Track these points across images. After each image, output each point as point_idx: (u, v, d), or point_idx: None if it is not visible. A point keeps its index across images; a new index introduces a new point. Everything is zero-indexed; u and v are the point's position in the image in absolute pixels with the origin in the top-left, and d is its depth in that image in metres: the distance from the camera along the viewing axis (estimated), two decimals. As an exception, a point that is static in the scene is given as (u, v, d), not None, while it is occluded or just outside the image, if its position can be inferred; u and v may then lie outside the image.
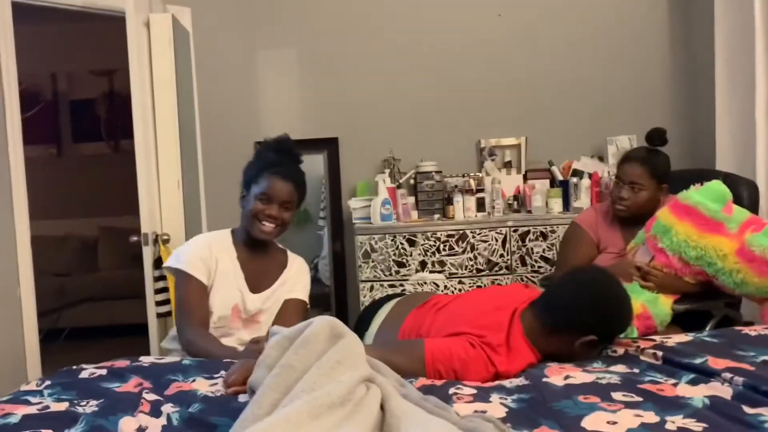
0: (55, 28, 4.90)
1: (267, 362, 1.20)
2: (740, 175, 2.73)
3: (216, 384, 1.37)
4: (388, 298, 2.09)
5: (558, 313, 1.52)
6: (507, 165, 3.76)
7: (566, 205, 3.52)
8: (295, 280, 2.03)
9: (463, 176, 3.63)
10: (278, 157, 1.94)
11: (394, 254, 3.36)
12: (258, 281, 1.93)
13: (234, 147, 3.79)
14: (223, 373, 1.44)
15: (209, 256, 1.88)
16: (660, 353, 1.39)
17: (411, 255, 3.36)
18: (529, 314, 1.56)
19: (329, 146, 3.84)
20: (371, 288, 3.37)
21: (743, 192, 2.44)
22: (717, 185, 2.17)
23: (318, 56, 3.86)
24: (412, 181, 3.67)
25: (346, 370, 1.11)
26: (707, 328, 2.12)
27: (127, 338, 4.32)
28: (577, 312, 1.49)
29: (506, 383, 1.28)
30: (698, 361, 1.28)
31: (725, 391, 1.15)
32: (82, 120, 5.93)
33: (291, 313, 1.93)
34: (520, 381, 1.28)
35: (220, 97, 3.75)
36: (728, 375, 1.17)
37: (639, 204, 2.38)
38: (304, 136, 3.81)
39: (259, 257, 1.96)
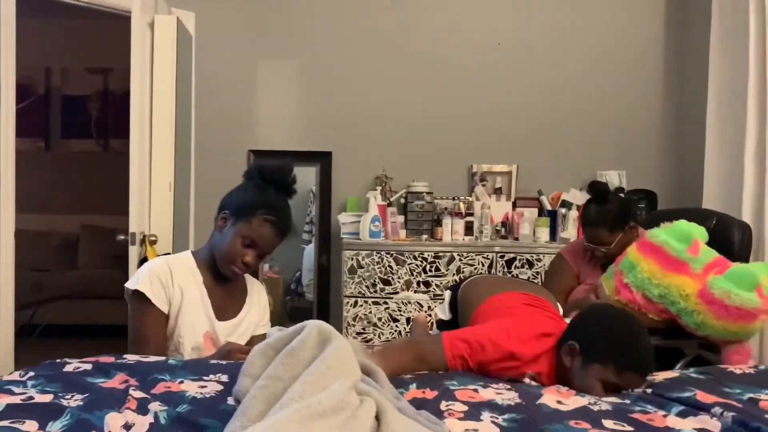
0: (52, 22, 4.88)
1: (251, 372, 1.17)
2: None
3: (206, 386, 1.35)
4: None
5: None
6: (497, 191, 3.80)
7: (553, 234, 3.56)
8: (261, 313, 1.95)
9: (453, 199, 3.66)
10: (277, 198, 1.79)
11: (381, 271, 3.36)
12: (224, 308, 1.85)
13: (227, 153, 3.80)
14: (212, 376, 1.42)
15: (170, 282, 1.76)
16: (648, 387, 1.40)
17: (397, 273, 3.36)
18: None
19: (322, 160, 3.85)
20: (355, 303, 3.37)
21: (735, 233, 2.41)
22: (684, 225, 2.16)
23: (317, 70, 3.89)
24: (402, 200, 3.69)
25: (337, 377, 1.10)
26: (677, 367, 2.10)
27: (103, 339, 4.24)
28: (583, 323, 1.57)
29: (499, 400, 1.28)
30: (686, 395, 1.30)
31: (714, 425, 1.16)
32: (73, 116, 5.89)
33: None
34: (513, 399, 1.28)
35: (217, 103, 3.75)
36: (718, 410, 1.19)
37: (617, 254, 2.35)
38: (298, 148, 3.84)
39: (223, 282, 1.85)
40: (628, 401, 1.32)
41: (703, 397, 1.28)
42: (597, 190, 2.42)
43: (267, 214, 1.76)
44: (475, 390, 1.36)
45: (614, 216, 2.38)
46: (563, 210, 3.59)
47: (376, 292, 3.37)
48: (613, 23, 3.86)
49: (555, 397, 1.30)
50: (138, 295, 1.75)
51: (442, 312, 2.18)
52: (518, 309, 1.76)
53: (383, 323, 3.37)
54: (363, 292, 3.37)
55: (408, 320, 3.36)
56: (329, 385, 1.08)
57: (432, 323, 2.67)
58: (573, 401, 1.28)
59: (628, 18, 3.86)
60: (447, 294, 2.22)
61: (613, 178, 3.69)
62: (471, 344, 1.55)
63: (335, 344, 1.14)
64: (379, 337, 3.37)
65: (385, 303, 3.37)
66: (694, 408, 1.24)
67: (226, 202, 1.85)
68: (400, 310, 3.36)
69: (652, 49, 3.86)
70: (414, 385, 1.41)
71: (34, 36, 5.02)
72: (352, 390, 1.09)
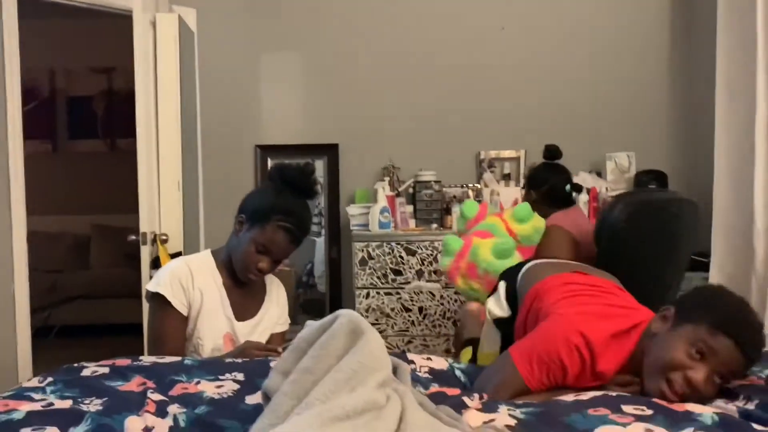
0: (54, 23, 4.87)
1: (284, 368, 1.16)
2: (737, 198, 2.88)
3: (222, 386, 1.35)
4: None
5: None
6: (506, 177, 3.78)
7: (564, 219, 3.53)
8: (280, 310, 1.94)
9: (462, 187, 3.65)
10: (295, 202, 1.77)
11: (391, 262, 3.36)
12: (244, 308, 1.84)
13: (234, 149, 3.80)
14: (227, 375, 1.42)
15: (191, 285, 1.76)
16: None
17: (408, 263, 3.36)
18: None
19: (329, 152, 3.84)
20: (367, 295, 3.37)
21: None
22: (467, 203, 2.76)
23: (321, 62, 3.87)
24: (411, 190, 3.68)
25: (367, 372, 1.07)
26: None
27: (118, 337, 4.28)
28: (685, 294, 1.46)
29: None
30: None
31: (733, 409, 1.16)
32: (79, 117, 5.90)
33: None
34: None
35: (222, 99, 3.74)
36: (740, 395, 1.18)
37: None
38: (305, 141, 3.83)
39: (242, 282, 1.84)
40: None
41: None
42: (545, 150, 2.91)
43: (282, 220, 1.73)
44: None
45: (532, 172, 2.93)
46: (574, 194, 3.56)
47: (387, 282, 3.37)
48: (618, 3, 3.81)
49: (574, 393, 1.30)
50: (158, 297, 1.75)
51: (499, 307, 1.82)
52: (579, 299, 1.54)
53: (396, 313, 3.37)
54: (375, 283, 3.37)
55: (420, 309, 3.36)
56: (359, 382, 1.05)
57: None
58: (591, 392, 1.28)
59: (632, -3, 3.81)
60: (501, 285, 1.86)
61: (623, 160, 3.66)
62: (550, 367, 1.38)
63: (366, 337, 1.11)
64: (392, 327, 3.37)
65: (397, 293, 3.37)
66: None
67: (244, 204, 1.83)
68: (412, 300, 3.36)
69: (658, 28, 3.81)
70: (436, 384, 1.41)
71: (37, 38, 5.02)
72: (379, 388, 1.07)
